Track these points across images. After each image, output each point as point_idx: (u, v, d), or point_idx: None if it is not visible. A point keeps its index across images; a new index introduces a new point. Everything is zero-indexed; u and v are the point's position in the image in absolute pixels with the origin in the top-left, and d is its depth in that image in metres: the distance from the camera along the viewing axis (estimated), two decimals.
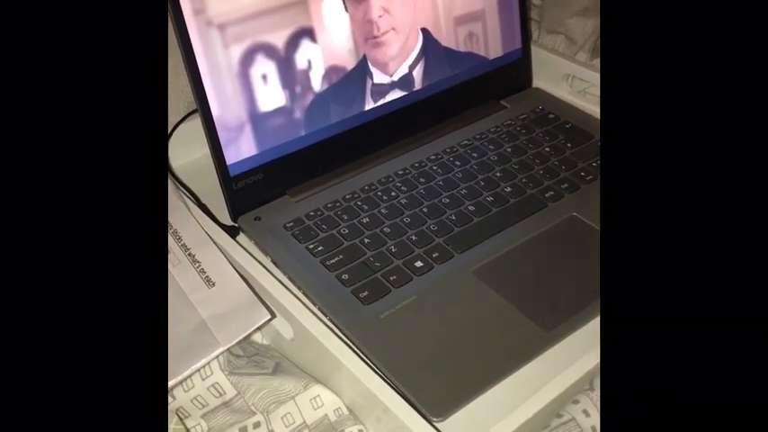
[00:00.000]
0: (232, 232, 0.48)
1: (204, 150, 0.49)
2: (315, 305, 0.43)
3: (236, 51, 0.47)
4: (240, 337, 0.39)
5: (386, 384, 0.36)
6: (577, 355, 0.37)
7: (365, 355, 0.39)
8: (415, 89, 0.55)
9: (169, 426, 0.37)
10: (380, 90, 0.54)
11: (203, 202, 0.51)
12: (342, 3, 0.50)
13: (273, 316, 0.41)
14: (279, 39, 0.48)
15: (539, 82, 0.63)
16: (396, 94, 0.54)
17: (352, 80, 0.52)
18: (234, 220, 0.50)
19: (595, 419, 0.34)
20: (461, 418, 0.37)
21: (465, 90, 0.58)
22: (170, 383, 0.38)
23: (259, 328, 0.40)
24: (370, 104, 0.53)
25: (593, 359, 0.37)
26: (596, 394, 0.35)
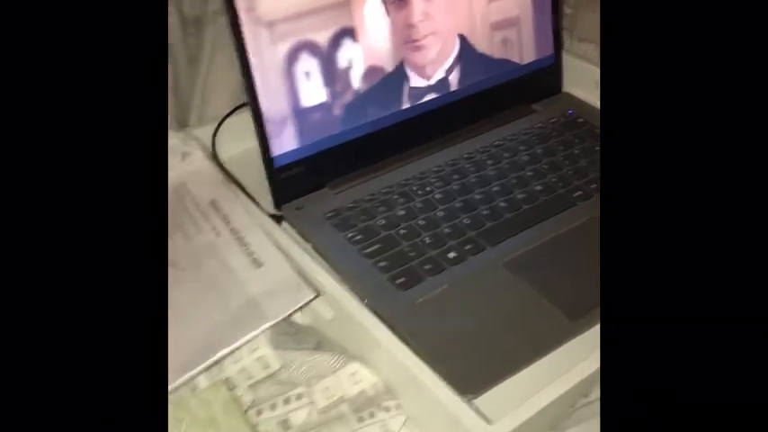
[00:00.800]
0: (275, 220, 0.51)
1: (248, 144, 0.52)
2: (353, 290, 0.46)
3: (283, 48, 0.49)
4: (287, 313, 0.41)
5: (421, 363, 0.39)
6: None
7: (401, 337, 0.42)
8: (450, 92, 0.58)
9: (218, 395, 0.39)
10: (417, 93, 0.56)
11: (248, 192, 0.54)
12: (383, 6, 0.53)
13: (318, 294, 0.43)
14: (322, 37, 0.51)
15: (569, 88, 0.65)
16: (432, 96, 0.57)
17: (390, 82, 0.55)
18: (277, 208, 0.52)
19: None
20: (491, 397, 0.39)
21: (498, 93, 0.60)
22: (220, 354, 0.40)
23: (304, 306, 0.43)
24: (406, 105, 0.56)
25: None
26: None
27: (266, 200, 0.52)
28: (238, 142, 0.59)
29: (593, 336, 0.42)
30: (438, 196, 0.53)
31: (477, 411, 0.36)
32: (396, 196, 0.53)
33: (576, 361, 0.38)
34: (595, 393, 0.37)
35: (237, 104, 0.61)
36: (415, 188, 0.54)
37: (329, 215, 0.52)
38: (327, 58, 0.51)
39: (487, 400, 0.39)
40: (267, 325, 0.41)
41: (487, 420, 0.36)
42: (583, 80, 0.65)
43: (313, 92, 0.51)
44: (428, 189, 0.54)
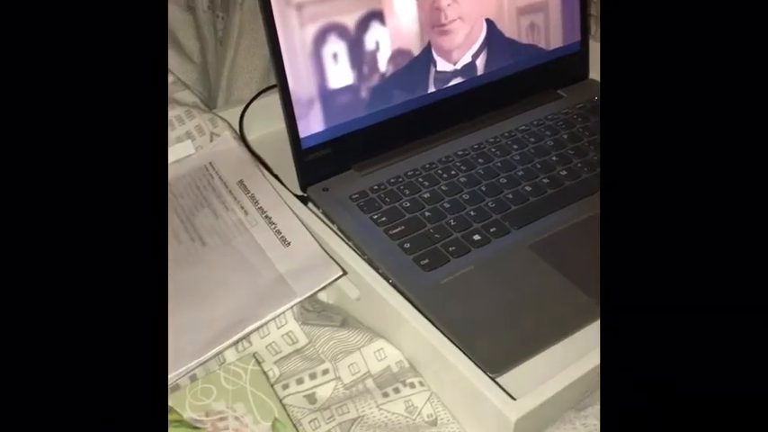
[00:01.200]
0: (302, 201, 0.52)
1: (274, 126, 0.52)
2: (378, 270, 0.46)
3: (312, 30, 0.50)
4: (315, 289, 0.42)
5: (447, 341, 0.39)
6: None
7: (427, 315, 0.42)
8: (476, 77, 0.58)
9: (247, 367, 0.40)
10: (443, 77, 0.57)
11: (275, 173, 0.55)
12: None
13: (345, 272, 0.44)
14: (350, 20, 0.51)
15: (596, 74, 0.65)
16: (458, 81, 0.57)
17: (416, 65, 0.55)
18: (303, 189, 0.53)
19: None
20: (515, 375, 0.40)
21: (524, 79, 0.61)
22: (249, 329, 0.41)
23: (332, 283, 0.43)
24: (432, 89, 0.56)
25: None
26: None
27: (292, 181, 0.53)
28: (265, 124, 0.60)
29: None
30: (463, 180, 0.53)
31: (503, 388, 0.37)
32: (421, 179, 0.54)
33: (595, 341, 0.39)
34: None
35: (264, 87, 0.62)
36: (439, 171, 0.54)
37: (354, 197, 0.52)
38: (355, 41, 0.52)
39: (512, 377, 0.40)
40: (295, 301, 0.42)
41: (512, 397, 0.36)
42: None
43: (340, 74, 0.52)
44: (453, 172, 0.54)
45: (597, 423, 0.35)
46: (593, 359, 0.37)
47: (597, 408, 0.35)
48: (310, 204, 0.53)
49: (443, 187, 0.53)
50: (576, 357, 0.38)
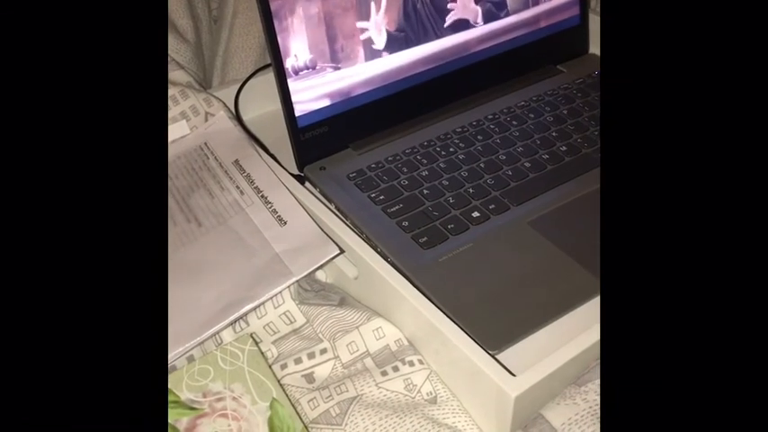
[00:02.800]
0: (299, 181, 0.51)
1: (270, 106, 0.51)
2: (377, 249, 0.46)
3: (306, 8, 0.49)
4: (312, 268, 0.42)
5: (446, 318, 0.39)
6: None
7: (425, 293, 0.42)
8: (474, 52, 0.57)
9: (245, 348, 0.40)
10: (441, 54, 0.56)
11: (271, 153, 0.54)
12: None
13: (342, 251, 0.44)
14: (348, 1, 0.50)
15: (596, 49, 0.64)
16: (455, 57, 0.56)
17: (413, 42, 0.54)
18: (300, 169, 0.52)
19: None
20: (515, 351, 0.39)
21: (523, 54, 0.60)
22: (245, 309, 0.41)
23: (329, 262, 0.43)
24: (430, 66, 0.55)
25: None
26: None
27: (289, 161, 0.52)
28: (260, 104, 0.59)
29: None
30: (461, 157, 0.53)
31: (503, 364, 0.36)
32: (419, 157, 0.53)
33: (595, 317, 0.38)
34: None
35: (259, 66, 0.61)
36: (438, 149, 0.54)
37: (352, 175, 0.52)
38: (350, 19, 0.51)
39: (511, 354, 0.39)
40: (292, 280, 0.41)
41: (512, 373, 0.36)
42: None
43: (336, 52, 0.51)
44: (451, 150, 0.53)
45: (598, 398, 0.34)
46: (593, 335, 0.37)
47: (598, 383, 0.35)
48: (307, 184, 0.52)
49: (442, 165, 0.52)
50: (576, 333, 0.38)
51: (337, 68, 0.51)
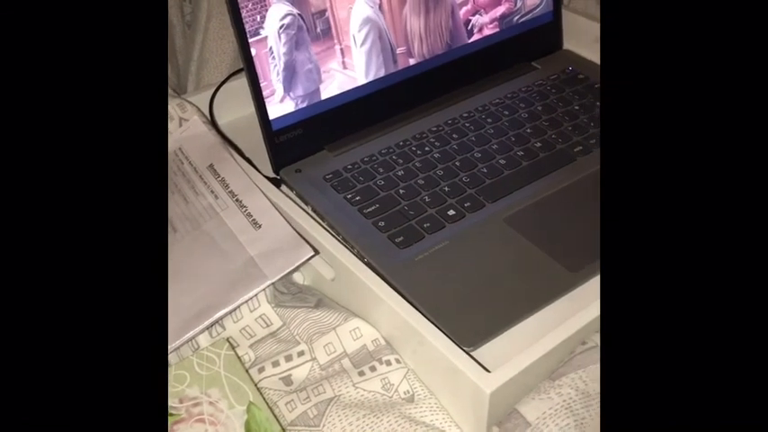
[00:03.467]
0: (275, 184, 0.51)
1: (246, 110, 0.51)
2: (353, 249, 0.46)
3: (277, 11, 0.49)
4: (286, 271, 0.42)
5: (422, 317, 0.39)
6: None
7: (402, 293, 0.42)
8: (448, 51, 0.57)
9: (221, 352, 0.40)
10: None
11: (247, 156, 0.54)
12: None
13: (317, 252, 0.44)
14: (320, 1, 0.50)
15: (570, 45, 0.64)
16: (429, 56, 0.56)
17: (386, 43, 0.54)
18: (276, 172, 0.52)
19: None
20: (491, 347, 0.39)
21: (497, 52, 0.60)
22: (220, 314, 0.41)
23: (303, 264, 0.43)
24: (404, 65, 0.55)
25: None
26: None
27: (265, 164, 0.52)
28: (235, 108, 0.59)
29: (591, 286, 0.42)
30: (437, 155, 0.53)
31: (477, 361, 0.36)
32: (395, 157, 0.53)
33: (574, 311, 0.38)
34: (593, 340, 0.37)
35: (234, 70, 0.61)
36: (413, 148, 0.54)
37: (328, 177, 0.52)
38: (321, 21, 0.51)
39: (488, 350, 0.39)
40: (267, 283, 0.41)
41: (487, 370, 0.36)
42: (583, 36, 0.64)
43: (308, 54, 0.51)
44: (427, 149, 0.54)
45: (572, 392, 0.34)
46: (567, 329, 0.37)
47: (572, 377, 0.35)
48: (284, 186, 0.52)
49: (418, 164, 0.52)
50: (551, 328, 0.38)
51: (310, 71, 0.51)
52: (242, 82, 0.54)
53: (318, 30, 0.51)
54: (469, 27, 0.58)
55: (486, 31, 0.59)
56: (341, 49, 0.52)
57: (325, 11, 0.51)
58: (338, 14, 0.52)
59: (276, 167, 0.52)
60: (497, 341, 0.40)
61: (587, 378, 0.35)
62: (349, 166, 0.52)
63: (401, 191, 0.50)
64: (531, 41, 0.62)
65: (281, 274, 0.42)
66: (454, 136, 0.55)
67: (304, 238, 0.44)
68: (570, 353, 0.37)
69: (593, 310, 0.38)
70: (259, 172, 0.51)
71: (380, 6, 0.53)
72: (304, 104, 0.52)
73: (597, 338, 0.37)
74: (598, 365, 0.35)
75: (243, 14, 0.47)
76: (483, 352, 0.39)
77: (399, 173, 0.52)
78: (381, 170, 0.52)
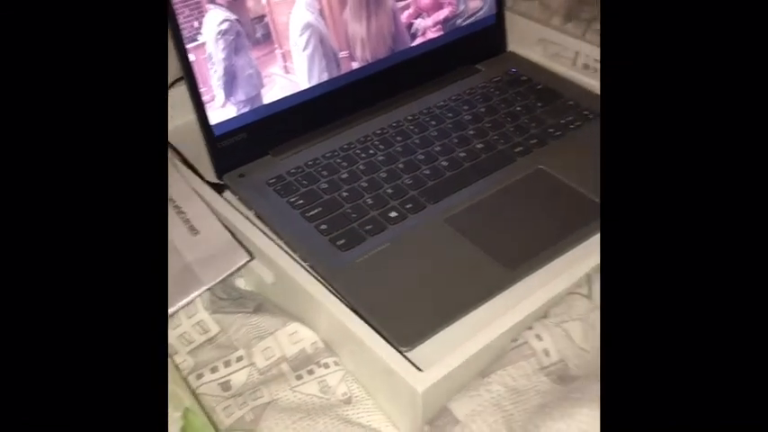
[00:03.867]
0: (218, 189, 0.51)
1: (189, 116, 0.51)
2: (296, 253, 0.46)
3: (216, 18, 0.49)
4: (221, 277, 0.42)
5: (359, 320, 0.39)
6: (537, 288, 0.40)
7: (341, 295, 0.42)
8: (392, 55, 0.57)
9: None
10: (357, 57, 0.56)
11: (190, 162, 0.54)
12: None
13: (252, 257, 0.44)
14: (258, 6, 0.50)
15: (513, 46, 0.65)
16: (372, 60, 0.57)
17: (328, 47, 0.54)
18: (219, 177, 0.52)
19: (547, 343, 0.37)
20: (430, 347, 0.40)
21: (441, 55, 0.60)
22: None
23: (239, 269, 0.43)
24: (347, 69, 0.56)
25: (550, 292, 0.40)
26: (550, 321, 0.38)
27: (209, 170, 0.52)
28: (179, 114, 0.58)
29: (527, 284, 0.43)
30: (381, 158, 0.53)
31: (411, 361, 0.37)
32: (338, 160, 0.53)
33: (509, 309, 0.39)
34: (524, 337, 0.37)
35: (176, 78, 0.60)
36: (358, 151, 0.54)
37: (271, 181, 0.52)
38: (263, 26, 0.51)
39: (427, 349, 0.40)
40: (202, 289, 0.41)
41: (421, 369, 0.36)
42: (526, 38, 0.65)
43: (249, 58, 0.51)
44: (371, 152, 0.54)
45: (501, 389, 0.35)
46: (499, 327, 0.38)
47: (500, 373, 0.36)
48: (227, 191, 0.52)
49: (361, 167, 0.53)
50: (487, 325, 0.38)
51: (251, 76, 0.51)
52: (184, 88, 0.54)
53: (258, 35, 0.51)
54: (412, 31, 0.58)
55: (430, 35, 0.60)
56: (282, 54, 0.53)
57: (264, 16, 0.51)
58: (277, 20, 0.52)
59: (219, 173, 0.52)
60: (435, 340, 0.40)
61: (516, 374, 0.35)
62: (293, 170, 0.52)
63: (344, 194, 0.50)
64: (475, 44, 0.62)
65: (217, 280, 0.42)
66: (398, 138, 0.55)
67: (241, 244, 0.44)
68: (502, 350, 0.38)
69: (527, 307, 0.39)
70: (201, 177, 0.51)
71: (321, 12, 0.53)
72: (246, 109, 0.52)
73: (528, 335, 0.37)
74: (527, 362, 0.36)
75: (179, 20, 0.47)
76: (422, 351, 0.40)
77: (343, 176, 0.52)
78: (325, 173, 0.52)
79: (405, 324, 0.40)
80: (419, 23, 0.59)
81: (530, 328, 0.38)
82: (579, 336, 0.37)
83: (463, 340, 0.38)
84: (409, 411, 0.37)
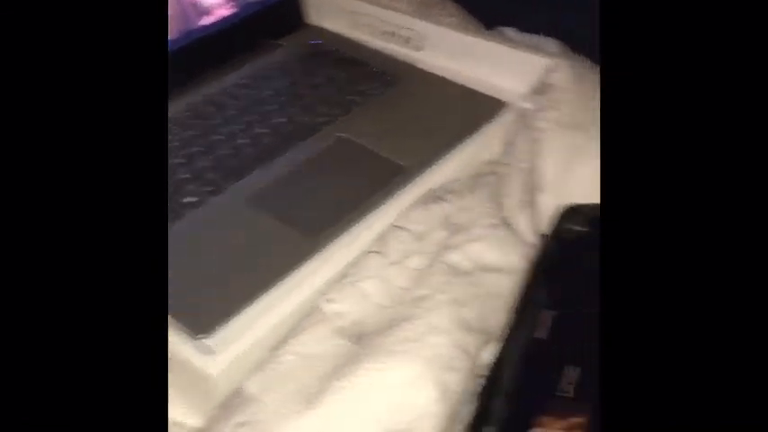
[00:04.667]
0: None
1: None
2: None
3: None
4: None
5: None
6: (336, 254, 0.39)
7: None
8: (184, 35, 0.54)
9: None
10: None
11: None
12: None
13: None
14: None
15: (317, 19, 0.64)
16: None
17: None
18: None
19: (341, 305, 0.36)
20: (231, 330, 0.38)
21: (236, 32, 0.58)
22: None
23: None
24: None
25: (348, 255, 0.39)
26: (345, 281, 0.37)
27: None
28: None
29: (331, 251, 0.42)
30: (176, 144, 0.50)
31: (204, 348, 0.35)
32: None
33: (312, 278, 0.38)
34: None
35: None
36: None
37: None
38: None
39: (228, 334, 0.37)
40: None
41: (213, 353, 0.34)
42: (329, 10, 0.64)
43: None
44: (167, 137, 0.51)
45: (292, 358, 0.34)
46: (296, 297, 0.36)
47: (292, 342, 0.35)
48: None
49: None
50: (292, 297, 0.37)
51: None
52: None
53: None
54: (200, 10, 0.56)
55: (222, 12, 0.57)
56: None
57: None
58: None
59: None
60: (237, 323, 0.38)
61: (309, 341, 0.34)
62: None
63: None
64: (273, 19, 0.61)
65: None
66: (196, 122, 0.52)
67: None
68: (300, 327, 0.36)
69: (324, 274, 0.38)
70: None
71: None
72: None
73: (319, 300, 0.36)
74: (321, 326, 0.35)
75: None
76: (223, 336, 0.37)
77: None
78: None
79: (200, 312, 0.38)
80: (206, 1, 0.56)
81: (323, 293, 0.37)
82: (376, 292, 0.36)
83: (263, 316, 0.36)
84: (205, 397, 0.35)
